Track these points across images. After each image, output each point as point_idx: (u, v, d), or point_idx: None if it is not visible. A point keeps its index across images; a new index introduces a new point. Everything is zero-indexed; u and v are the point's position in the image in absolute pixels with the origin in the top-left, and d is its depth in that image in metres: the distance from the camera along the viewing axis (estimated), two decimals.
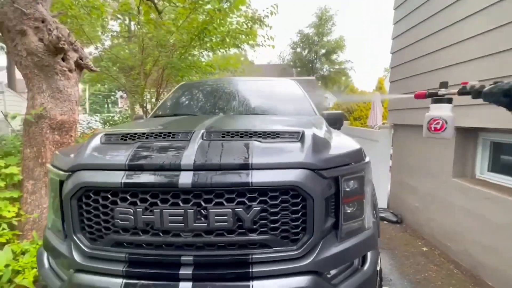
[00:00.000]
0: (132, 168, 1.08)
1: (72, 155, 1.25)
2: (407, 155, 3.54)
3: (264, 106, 2.37)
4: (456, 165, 2.65)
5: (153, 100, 6.86)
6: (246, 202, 1.05)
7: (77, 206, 1.11)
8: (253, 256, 1.06)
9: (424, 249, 2.81)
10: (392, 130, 3.86)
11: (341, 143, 1.42)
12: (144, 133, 1.29)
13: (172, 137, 1.25)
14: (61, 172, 1.20)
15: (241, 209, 1.04)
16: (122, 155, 1.13)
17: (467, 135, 2.64)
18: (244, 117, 2.05)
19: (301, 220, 1.09)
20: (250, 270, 1.04)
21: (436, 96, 1.21)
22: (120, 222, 1.06)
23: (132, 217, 1.05)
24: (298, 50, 22.45)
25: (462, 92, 1.10)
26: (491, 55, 2.23)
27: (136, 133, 1.30)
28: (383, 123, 6.70)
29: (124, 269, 1.06)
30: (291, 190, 1.07)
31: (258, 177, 1.04)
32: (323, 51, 21.51)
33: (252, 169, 1.06)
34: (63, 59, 2.67)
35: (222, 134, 1.25)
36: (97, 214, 1.10)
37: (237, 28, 5.03)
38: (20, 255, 2.28)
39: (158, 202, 1.05)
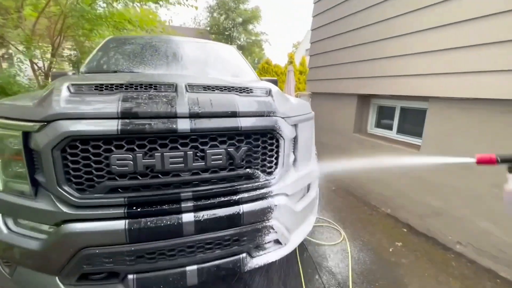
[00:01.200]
0: (126, 116, 1.11)
1: (36, 106, 1.13)
2: (321, 118, 4.36)
3: (213, 69, 2.47)
4: (356, 123, 3.54)
5: (47, 55, 5.54)
6: (236, 143, 1.28)
7: (61, 157, 1.07)
8: (241, 187, 1.32)
9: (333, 188, 3.72)
10: (309, 97, 4.59)
11: (294, 99, 1.78)
12: (120, 84, 1.27)
13: (155, 88, 1.29)
14: (27, 123, 1.08)
15: (232, 149, 1.26)
16: (109, 104, 1.13)
17: (363, 100, 3.52)
18: (203, 76, 2.12)
19: (274, 156, 1.40)
20: (239, 197, 1.31)
21: None
22: (117, 168, 1.11)
23: (132, 162, 1.11)
24: (215, 15, 21.55)
25: None
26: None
27: (110, 84, 1.26)
28: (296, 94, 7.68)
29: (125, 211, 1.14)
30: (268, 133, 1.35)
31: (245, 123, 1.27)
32: (240, 19, 21.40)
33: (240, 116, 1.28)
34: None
35: (204, 87, 1.38)
36: (87, 163, 1.10)
37: None
38: None
39: (157, 147, 1.15)
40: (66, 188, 1.10)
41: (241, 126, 1.25)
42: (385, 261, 2.16)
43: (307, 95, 4.67)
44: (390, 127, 3.25)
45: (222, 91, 1.41)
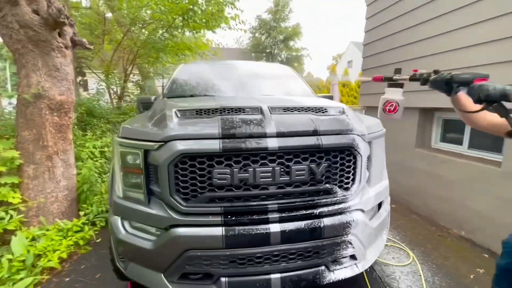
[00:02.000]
0: (226, 136, 1.29)
1: (154, 129, 1.38)
2: None
3: (277, 89, 2.65)
4: (418, 138, 3.37)
5: (121, 81, 6.44)
6: (317, 160, 1.37)
7: (173, 171, 1.29)
8: (321, 201, 1.40)
9: (393, 206, 3.53)
10: (363, 111, 4.51)
11: (364, 116, 1.82)
12: (215, 109, 1.47)
13: (243, 112, 1.47)
14: (149, 143, 1.33)
15: (314, 165, 1.36)
16: (211, 127, 1.33)
17: (426, 114, 3.35)
18: (276, 97, 2.27)
19: (352, 172, 1.46)
20: (320, 210, 1.38)
21: (391, 81, 1.31)
22: (217, 181, 1.28)
23: (229, 176, 1.28)
24: (257, 35, 22.57)
25: (413, 78, 1.21)
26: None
27: (208, 109, 1.47)
28: None
29: (222, 219, 1.30)
30: (346, 150, 1.42)
31: (325, 141, 1.36)
32: (281, 37, 22.04)
33: (320, 135, 1.38)
34: (59, 34, 2.49)
35: (283, 109, 1.52)
36: (193, 176, 1.30)
37: (217, 11, 5.03)
38: (31, 241, 2.22)
39: (250, 163, 1.30)
40: (175, 197, 1.31)
41: (321, 144, 1.35)
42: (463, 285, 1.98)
43: (360, 108, 4.59)
44: (459, 142, 3.02)
45: (300, 112, 1.53)
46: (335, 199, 1.43)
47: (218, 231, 1.28)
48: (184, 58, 6.46)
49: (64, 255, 2.24)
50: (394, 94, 1.30)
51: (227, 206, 1.32)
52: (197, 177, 1.30)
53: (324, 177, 1.40)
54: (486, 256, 2.40)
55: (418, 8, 3.25)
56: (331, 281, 1.43)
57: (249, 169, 1.29)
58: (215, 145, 1.27)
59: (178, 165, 1.29)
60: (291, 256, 1.36)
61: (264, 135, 1.32)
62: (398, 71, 1.31)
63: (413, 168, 3.37)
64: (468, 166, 2.70)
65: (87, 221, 2.66)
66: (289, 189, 1.35)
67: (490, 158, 2.63)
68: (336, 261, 1.47)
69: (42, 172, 2.46)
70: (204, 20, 4.66)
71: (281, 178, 1.32)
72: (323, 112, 1.56)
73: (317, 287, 1.60)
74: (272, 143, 1.30)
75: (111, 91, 6.43)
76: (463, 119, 1.18)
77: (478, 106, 0.93)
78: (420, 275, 2.12)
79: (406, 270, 2.20)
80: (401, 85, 1.30)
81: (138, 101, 2.70)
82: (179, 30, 5.08)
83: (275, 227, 1.31)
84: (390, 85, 1.31)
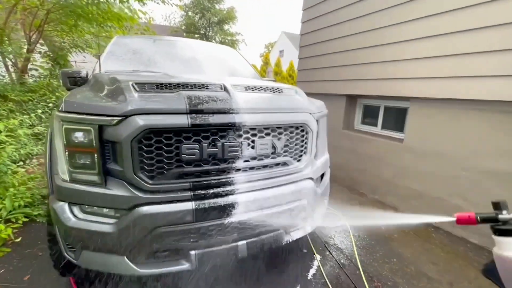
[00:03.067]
0: (194, 112, 1.28)
1: (110, 102, 1.25)
2: None
3: (227, 70, 2.66)
4: (344, 120, 3.94)
5: (24, 51, 5.21)
6: (277, 135, 1.51)
7: (137, 147, 1.22)
8: (278, 172, 1.56)
9: None
10: None
11: (311, 98, 2.04)
12: (177, 84, 1.42)
13: (207, 88, 1.46)
14: (105, 118, 1.21)
15: (275, 139, 1.49)
16: (177, 102, 1.29)
17: (351, 100, 3.93)
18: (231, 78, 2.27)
19: (304, 146, 1.66)
20: (279, 180, 1.54)
21: (496, 222, 0.75)
22: (186, 156, 1.28)
23: (198, 151, 1.29)
24: (190, 14, 21.21)
25: None
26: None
27: (169, 84, 1.41)
28: None
29: (192, 194, 1.31)
30: (301, 126, 1.60)
31: (285, 117, 1.51)
32: (216, 19, 21.33)
33: (282, 112, 1.51)
34: None
35: (245, 87, 1.59)
36: (159, 153, 1.26)
37: None
38: None
39: (218, 138, 1.34)
40: (140, 175, 1.25)
41: (283, 120, 1.49)
42: (381, 236, 2.53)
43: None
44: (374, 124, 3.68)
45: (260, 91, 1.62)
46: (291, 169, 1.61)
47: (188, 205, 1.29)
48: (110, 31, 5.65)
49: None
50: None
51: (195, 181, 1.33)
52: (164, 153, 1.26)
53: (282, 150, 1.55)
54: (393, 212, 3.08)
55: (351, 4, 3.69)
56: (288, 241, 1.64)
57: (218, 144, 1.32)
58: (183, 120, 1.25)
59: (142, 141, 1.22)
60: (255, 223, 1.49)
61: (231, 111, 1.36)
62: (502, 206, 0.75)
63: (340, 146, 3.95)
64: (380, 143, 3.34)
65: None
66: (254, 162, 1.46)
67: (396, 136, 3.32)
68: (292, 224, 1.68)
69: None
70: None
71: (247, 152, 1.41)
72: (279, 92, 1.69)
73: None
74: (240, 119, 1.36)
75: (8, 62, 5.15)
76: None
77: None
78: (349, 232, 2.58)
79: (338, 229, 2.65)
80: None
81: (64, 75, 2.30)
82: None
83: (241, 198, 1.40)
84: (499, 232, 0.74)
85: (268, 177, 1.52)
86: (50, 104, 5.10)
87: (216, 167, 1.36)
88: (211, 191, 1.35)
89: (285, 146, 1.56)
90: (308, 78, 4.62)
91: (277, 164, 1.56)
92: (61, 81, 2.35)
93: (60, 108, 1.29)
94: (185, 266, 1.36)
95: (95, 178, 1.28)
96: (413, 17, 2.83)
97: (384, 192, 3.32)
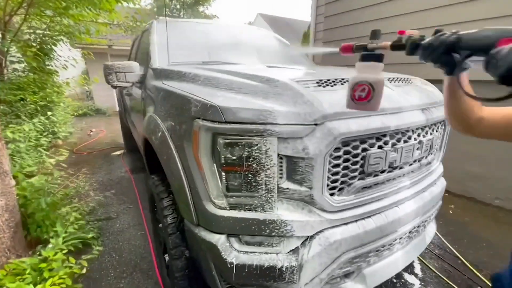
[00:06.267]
0: (383, 112, 1.07)
1: (295, 106, 0.98)
2: None
3: (284, 57, 2.44)
4: None
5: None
6: (431, 132, 1.35)
7: (328, 161, 0.99)
8: (426, 172, 1.41)
9: None
10: None
11: None
12: (335, 79, 1.18)
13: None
14: (292, 127, 0.95)
15: (429, 137, 1.32)
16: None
17: None
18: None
19: (441, 143, 1.52)
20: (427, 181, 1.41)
21: (366, 50, 0.78)
22: (372, 166, 1.08)
23: (383, 159, 1.09)
24: None
25: (397, 45, 0.72)
26: None
27: (328, 79, 1.16)
28: None
29: (372, 209, 1.12)
30: (442, 122, 1.45)
31: (439, 113, 1.34)
32: (189, 0, 19.99)
33: (435, 106, 1.34)
34: None
35: (388, 79, 1.38)
36: (346, 165, 1.04)
37: None
38: None
39: (396, 142, 1.14)
40: (326, 193, 1.03)
41: (437, 116, 1.33)
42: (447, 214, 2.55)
43: None
44: None
45: (401, 82, 1.42)
46: (433, 168, 1.47)
47: (371, 223, 1.11)
48: (103, 16, 4.94)
49: None
50: (368, 71, 0.76)
51: (374, 193, 1.14)
52: (350, 165, 1.05)
53: (429, 148, 1.40)
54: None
55: None
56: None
57: (398, 148, 1.13)
58: (383, 122, 1.04)
59: (332, 154, 1.00)
60: (415, 230, 1.36)
61: (407, 109, 1.17)
62: (375, 34, 0.77)
63: None
64: None
65: (57, 250, 1.81)
66: (417, 164, 1.29)
67: None
68: None
69: None
70: None
71: (415, 154, 1.24)
72: (408, 82, 1.51)
73: None
74: (414, 118, 1.18)
75: None
76: (462, 114, 0.79)
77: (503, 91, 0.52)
78: None
79: None
80: (379, 58, 0.76)
81: (107, 69, 1.90)
82: None
83: (409, 204, 1.25)
84: (364, 58, 0.78)
85: (422, 179, 1.37)
86: (42, 103, 4.41)
87: (392, 174, 1.18)
88: (387, 203, 1.18)
89: (432, 144, 1.41)
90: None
91: (428, 164, 1.41)
92: (104, 77, 1.94)
93: (206, 117, 0.99)
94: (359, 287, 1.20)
95: (263, 202, 1.03)
96: None
97: None
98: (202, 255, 1.12)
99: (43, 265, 1.60)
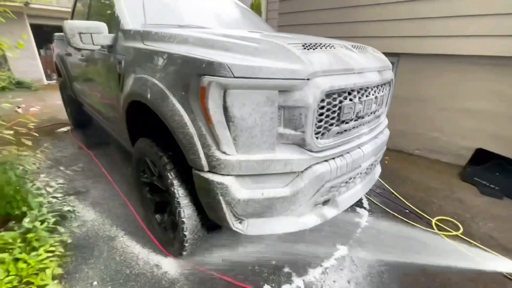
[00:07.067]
0: (358, 71, 1.36)
1: (292, 64, 1.18)
2: None
3: (244, 21, 2.60)
4: None
5: None
6: (384, 91, 1.72)
7: (317, 111, 1.24)
8: (379, 123, 1.82)
9: None
10: None
11: None
12: (316, 43, 1.40)
13: (333, 47, 1.48)
14: (290, 81, 1.15)
15: (385, 92, 1.70)
16: (340, 62, 1.32)
17: None
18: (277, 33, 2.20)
19: (388, 98, 1.93)
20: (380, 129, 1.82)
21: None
22: (345, 115, 1.37)
23: (353, 109, 1.40)
24: None
25: None
26: None
27: (310, 43, 1.38)
28: None
29: (346, 148, 1.45)
30: (390, 81, 1.84)
31: (390, 74, 1.71)
32: None
33: (387, 69, 1.70)
34: None
35: (352, 46, 1.66)
36: (328, 114, 1.31)
37: None
38: None
39: (363, 95, 1.46)
40: (313, 137, 1.29)
41: (389, 77, 1.70)
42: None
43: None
44: None
45: (361, 50, 1.72)
46: (382, 120, 1.89)
47: (343, 160, 1.44)
48: None
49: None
50: None
51: (345, 137, 1.46)
52: (330, 114, 1.32)
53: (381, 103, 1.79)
54: None
55: None
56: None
57: (362, 101, 1.45)
58: (354, 80, 1.32)
59: (319, 104, 1.25)
60: (370, 167, 1.77)
61: (373, 70, 1.50)
62: None
63: None
64: None
65: (38, 221, 1.74)
66: (373, 115, 1.66)
67: None
68: None
69: None
70: None
71: (374, 107, 1.59)
72: (365, 49, 1.83)
73: None
74: (374, 77, 1.50)
75: None
76: None
77: None
78: None
79: None
80: None
81: (70, 29, 1.78)
82: None
83: (367, 146, 1.63)
84: None
85: (375, 128, 1.76)
86: None
87: (359, 121, 1.51)
88: (352, 143, 1.52)
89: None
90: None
91: (378, 117, 1.80)
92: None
93: (219, 74, 1.12)
94: (334, 211, 1.55)
95: (266, 146, 1.25)
96: None
97: None
98: (213, 196, 1.29)
99: (31, 235, 1.56)
